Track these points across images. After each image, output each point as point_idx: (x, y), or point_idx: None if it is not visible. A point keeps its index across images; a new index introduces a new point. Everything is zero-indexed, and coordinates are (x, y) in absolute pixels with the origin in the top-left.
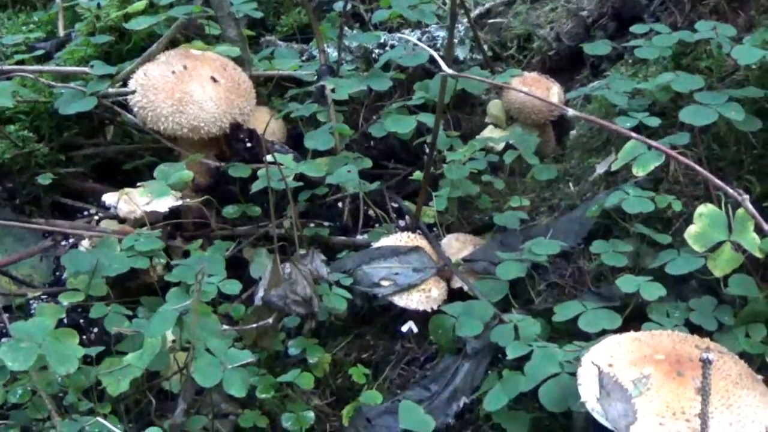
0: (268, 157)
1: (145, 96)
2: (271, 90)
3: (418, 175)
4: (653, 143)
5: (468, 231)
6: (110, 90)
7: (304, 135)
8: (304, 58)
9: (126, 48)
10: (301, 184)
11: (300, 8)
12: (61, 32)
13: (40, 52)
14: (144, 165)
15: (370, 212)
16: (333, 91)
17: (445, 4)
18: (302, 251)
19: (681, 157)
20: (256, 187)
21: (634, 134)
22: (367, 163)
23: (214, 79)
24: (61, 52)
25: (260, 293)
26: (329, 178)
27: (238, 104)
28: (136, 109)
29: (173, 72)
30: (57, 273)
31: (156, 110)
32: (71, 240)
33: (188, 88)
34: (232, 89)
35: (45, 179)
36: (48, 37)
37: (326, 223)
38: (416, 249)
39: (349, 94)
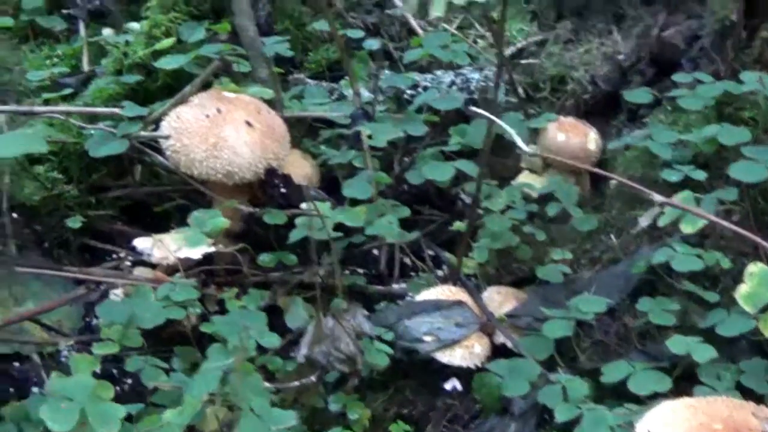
0: (304, 204)
1: (179, 140)
2: (302, 131)
3: (459, 226)
4: (696, 210)
5: (507, 282)
6: (143, 133)
7: (339, 180)
8: (334, 97)
9: (154, 86)
10: (340, 234)
11: (328, 45)
12: (86, 67)
13: (67, 91)
14: (174, 208)
15: (406, 260)
16: (370, 137)
17: (476, 42)
18: (343, 304)
19: (727, 224)
20: (295, 236)
21: (675, 202)
22: (405, 212)
23: (249, 124)
24: (88, 90)
25: (303, 350)
26: (369, 228)
27: (273, 149)
28: (169, 153)
29: (207, 116)
30: (87, 319)
31: (190, 155)
32: (102, 286)
33: (223, 133)
34: (267, 134)
35: (75, 222)
36: (72, 72)
37: (361, 271)
38: (459, 303)
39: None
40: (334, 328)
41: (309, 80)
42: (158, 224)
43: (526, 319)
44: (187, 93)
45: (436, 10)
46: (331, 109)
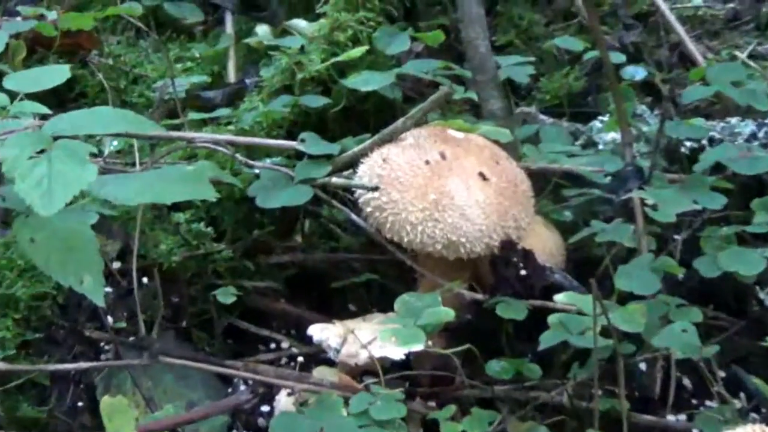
0: (559, 297)
1: (387, 193)
2: (539, 190)
3: None
4: None
5: None
6: (334, 180)
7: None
8: (579, 142)
9: (333, 112)
10: (607, 342)
11: (569, 69)
12: (232, 76)
13: (222, 112)
14: (359, 284)
15: (685, 381)
16: (654, 207)
17: None
18: None
19: None
20: (547, 341)
21: None
22: (697, 315)
23: (483, 176)
24: (239, 110)
25: None
26: (656, 339)
27: (513, 214)
28: (369, 209)
29: (427, 162)
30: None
31: (401, 214)
32: (261, 389)
33: (448, 187)
34: (506, 192)
35: (226, 296)
36: (213, 84)
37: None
38: None
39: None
40: None
41: (543, 116)
42: (333, 305)
43: None
44: (399, 128)
45: None
46: (584, 162)
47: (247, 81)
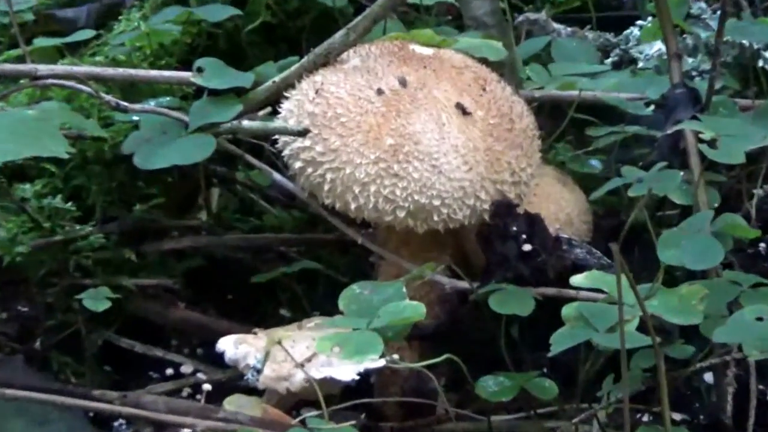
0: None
1: (321, 139)
2: (551, 128)
3: None
4: None
5: None
6: (245, 123)
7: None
8: (611, 59)
9: (249, 30)
10: (658, 340)
11: None
12: None
13: (83, 35)
14: (292, 276)
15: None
16: (710, 144)
17: None
18: None
19: None
20: (560, 343)
21: None
22: None
23: (463, 110)
24: (116, 34)
25: None
26: (719, 333)
27: (510, 163)
28: (297, 165)
29: (380, 92)
30: None
31: (344, 170)
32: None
33: (411, 128)
34: (497, 131)
35: (97, 301)
36: None
37: (679, 417)
38: None
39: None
40: None
41: (557, 24)
42: (251, 309)
43: None
44: (338, 44)
45: None
46: (613, 86)
47: None
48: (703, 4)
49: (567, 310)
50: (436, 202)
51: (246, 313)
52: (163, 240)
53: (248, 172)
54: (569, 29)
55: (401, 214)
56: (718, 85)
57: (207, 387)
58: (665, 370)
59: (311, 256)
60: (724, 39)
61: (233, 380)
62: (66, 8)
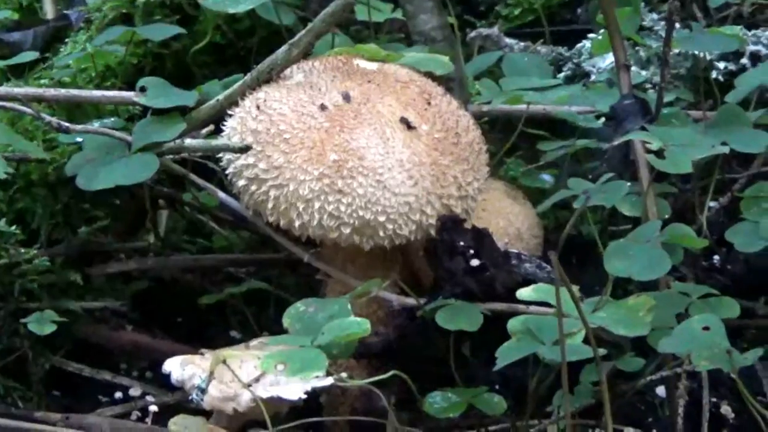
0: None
1: (266, 156)
2: (501, 142)
3: None
4: None
5: None
6: (187, 142)
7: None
8: (564, 73)
9: (197, 50)
10: (604, 352)
11: None
12: (50, 11)
13: (29, 57)
14: (240, 298)
15: (724, 409)
16: (658, 154)
17: None
18: None
19: None
20: (506, 356)
21: None
22: (733, 308)
23: (407, 124)
24: (62, 57)
25: None
26: (664, 343)
27: (455, 177)
28: (240, 183)
29: (323, 107)
30: None
31: (287, 187)
32: None
33: (354, 143)
34: (443, 145)
35: (43, 325)
36: (25, 22)
37: (630, 430)
38: None
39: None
40: None
41: (508, 39)
42: (204, 331)
43: None
44: (281, 60)
45: None
46: (563, 100)
47: (72, 15)
48: (655, 16)
49: (513, 324)
50: (381, 218)
51: (195, 336)
52: (110, 262)
53: (196, 193)
54: (522, 44)
55: (346, 230)
56: (671, 97)
57: (153, 408)
58: (617, 384)
59: (261, 276)
60: (678, 51)
61: (182, 402)
62: (12, 31)
